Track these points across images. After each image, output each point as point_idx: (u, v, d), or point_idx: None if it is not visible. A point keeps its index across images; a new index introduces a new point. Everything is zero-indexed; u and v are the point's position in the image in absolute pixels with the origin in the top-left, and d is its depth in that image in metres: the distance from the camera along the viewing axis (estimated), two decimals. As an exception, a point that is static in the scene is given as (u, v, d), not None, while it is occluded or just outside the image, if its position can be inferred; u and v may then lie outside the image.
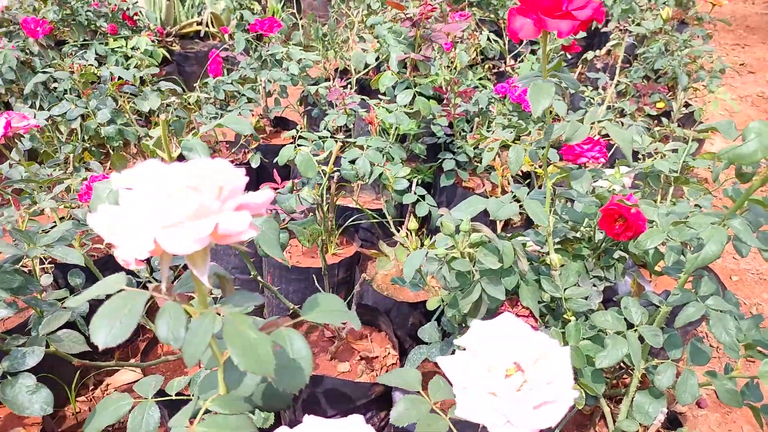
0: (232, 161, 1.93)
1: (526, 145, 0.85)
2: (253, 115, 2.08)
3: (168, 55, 2.68)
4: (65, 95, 2.12)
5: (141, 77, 1.50)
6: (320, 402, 1.05)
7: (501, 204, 0.81)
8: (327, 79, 2.57)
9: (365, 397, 1.03)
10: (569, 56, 2.58)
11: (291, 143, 2.08)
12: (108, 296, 0.48)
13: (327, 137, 1.40)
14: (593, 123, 0.81)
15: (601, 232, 0.94)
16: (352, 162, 1.37)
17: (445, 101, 1.65)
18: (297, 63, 1.84)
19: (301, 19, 3.82)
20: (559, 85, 0.76)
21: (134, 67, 2.52)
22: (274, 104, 2.14)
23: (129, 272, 1.05)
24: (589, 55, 2.46)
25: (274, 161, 1.39)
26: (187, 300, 0.52)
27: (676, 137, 1.62)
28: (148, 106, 1.49)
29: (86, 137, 1.41)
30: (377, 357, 1.13)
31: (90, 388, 1.25)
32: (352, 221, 1.55)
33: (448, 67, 1.97)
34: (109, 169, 1.54)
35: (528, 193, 0.85)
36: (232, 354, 0.43)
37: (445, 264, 0.76)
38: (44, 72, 1.42)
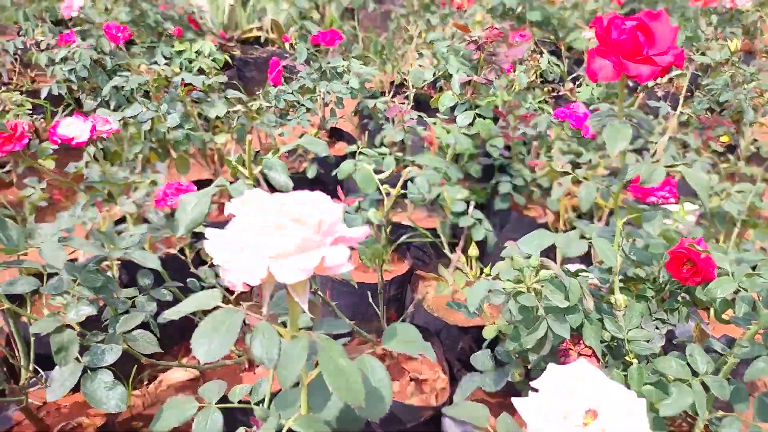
0: (289, 167, 1.98)
1: (598, 183, 0.85)
2: (311, 125, 2.12)
3: (230, 60, 2.75)
4: (133, 95, 2.20)
5: (209, 84, 1.55)
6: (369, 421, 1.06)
7: (570, 240, 0.81)
8: (383, 93, 2.60)
9: (414, 420, 1.04)
10: (630, 83, 2.55)
11: (347, 156, 2.13)
12: (205, 312, 0.51)
13: (386, 154, 1.42)
14: (669, 166, 0.81)
15: (667, 274, 0.93)
16: (411, 180, 1.38)
17: (503, 123, 1.65)
18: (357, 77, 1.87)
19: (357, 29, 3.88)
20: (634, 127, 0.75)
21: (197, 70, 2.61)
22: (330, 114, 2.18)
23: (195, 276, 1.08)
24: (650, 81, 2.42)
25: (333, 174, 1.42)
26: (276, 320, 0.55)
27: (742, 176, 1.58)
28: (215, 112, 1.53)
29: (153, 139, 1.46)
30: (427, 379, 1.14)
31: (144, 383, 1.29)
32: (406, 239, 1.56)
33: (507, 87, 1.97)
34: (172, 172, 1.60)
35: (596, 231, 0.85)
36: (327, 381, 0.44)
37: (512, 298, 0.77)
38: (121, 76, 1.48)
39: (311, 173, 1.78)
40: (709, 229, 1.22)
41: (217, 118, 1.54)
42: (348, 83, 1.88)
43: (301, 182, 1.88)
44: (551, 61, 1.99)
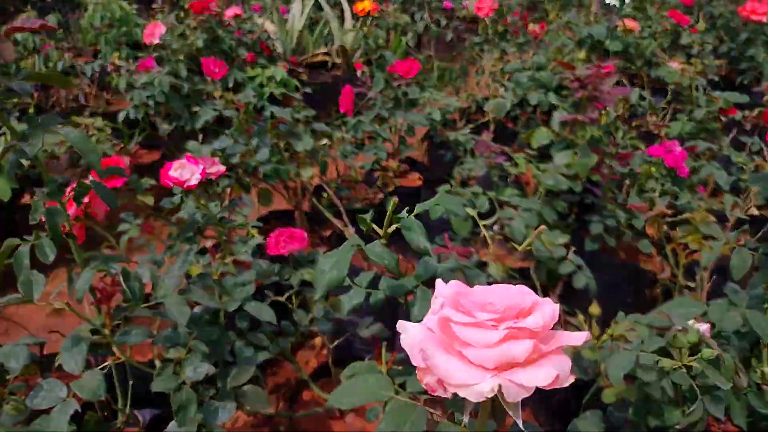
0: (363, 198, 1.95)
1: (751, 253, 0.77)
2: (390, 157, 2.08)
3: (299, 86, 2.77)
4: (208, 122, 2.23)
5: (297, 119, 1.53)
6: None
7: (723, 311, 0.74)
8: (453, 119, 2.56)
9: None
10: (723, 118, 2.42)
11: (418, 187, 2.08)
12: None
13: (480, 193, 1.37)
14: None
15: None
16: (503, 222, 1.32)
17: (598, 161, 1.57)
18: (438, 108, 1.84)
19: (420, 52, 3.86)
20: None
21: (269, 96, 2.62)
22: (399, 143, 2.14)
23: (291, 319, 1.04)
24: (738, 115, 2.30)
25: (419, 213, 1.37)
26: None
27: None
28: (302, 146, 1.52)
29: (240, 171, 1.45)
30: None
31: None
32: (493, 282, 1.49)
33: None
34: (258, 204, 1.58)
35: (746, 301, 0.77)
36: None
37: (664, 375, 0.70)
38: (214, 109, 1.49)
39: (390, 206, 1.73)
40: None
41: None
42: (430, 114, 1.84)
43: (376, 217, 1.84)
44: (642, 95, 1.91)
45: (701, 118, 1.88)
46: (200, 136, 2.13)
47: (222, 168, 1.01)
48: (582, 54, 1.34)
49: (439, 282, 0.44)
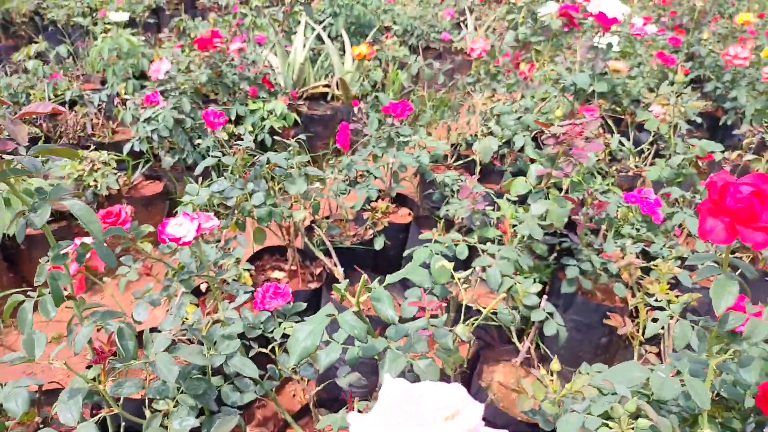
0: (353, 234, 2.03)
1: (693, 322, 0.84)
2: (381, 194, 2.17)
3: (298, 119, 2.86)
4: (207, 152, 2.32)
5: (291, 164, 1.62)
6: None
7: (662, 380, 0.81)
8: (445, 156, 2.65)
9: None
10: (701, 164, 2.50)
11: (408, 223, 2.17)
12: None
13: (460, 241, 1.45)
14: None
15: (756, 408, 0.91)
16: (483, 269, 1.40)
17: (574, 208, 1.66)
18: (427, 152, 1.92)
19: (417, 84, 3.96)
20: (740, 283, 0.75)
21: (268, 129, 2.72)
22: (393, 181, 2.23)
23: (274, 363, 1.12)
24: (717, 156, 2.39)
25: (405, 257, 1.44)
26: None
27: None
28: (295, 189, 1.60)
29: (236, 212, 1.54)
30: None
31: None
32: (473, 321, 1.57)
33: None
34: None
35: (687, 368, 0.85)
36: None
37: (604, 436, 0.77)
38: (214, 156, 1.57)
39: (378, 245, 1.82)
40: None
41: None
42: (418, 157, 1.93)
43: (366, 253, 1.92)
44: (622, 141, 1.99)
45: (678, 164, 1.96)
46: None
47: (216, 222, 1.09)
48: (559, 112, 1.42)
49: (387, 378, 0.51)
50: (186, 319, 1.10)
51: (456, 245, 1.44)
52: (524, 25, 2.75)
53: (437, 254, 1.37)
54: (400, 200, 2.33)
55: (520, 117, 2.19)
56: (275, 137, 2.91)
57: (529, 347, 1.46)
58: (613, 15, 2.24)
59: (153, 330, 1.37)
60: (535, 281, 1.40)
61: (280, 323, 1.06)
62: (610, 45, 2.51)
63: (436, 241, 1.40)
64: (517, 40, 2.70)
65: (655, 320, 1.12)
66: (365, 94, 3.64)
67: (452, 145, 2.65)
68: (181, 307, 1.02)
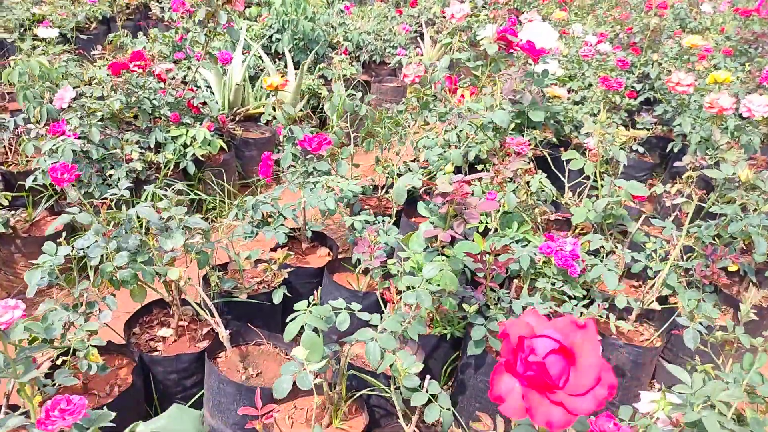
0: (260, 282, 1.88)
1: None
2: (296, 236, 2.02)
3: (225, 146, 2.71)
4: (117, 183, 2.15)
5: (168, 216, 1.47)
6: None
7: None
8: (375, 188, 2.51)
9: None
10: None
11: (324, 265, 2.02)
12: None
13: (341, 310, 1.31)
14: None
15: None
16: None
17: (480, 266, 1.53)
18: (334, 194, 1.78)
19: (368, 103, 3.82)
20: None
21: (191, 157, 2.56)
22: (304, 221, 2.08)
23: None
24: (658, 188, 2.28)
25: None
26: None
27: (740, 346, 1.41)
28: (171, 244, 1.45)
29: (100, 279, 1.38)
30: None
31: None
32: (365, 392, 1.43)
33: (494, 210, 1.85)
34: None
35: None
36: None
37: None
38: (68, 213, 1.42)
39: (277, 299, 1.67)
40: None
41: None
42: (324, 200, 1.79)
43: (271, 305, 1.77)
44: (543, 182, 1.87)
45: (605, 207, 1.84)
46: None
47: (18, 314, 0.94)
48: (449, 168, 1.29)
49: None
50: None
51: (337, 314, 1.30)
52: (461, 50, 2.62)
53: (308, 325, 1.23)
54: (320, 239, 2.19)
55: (443, 152, 2.06)
56: (207, 162, 2.76)
57: (415, 430, 1.32)
58: (541, 45, 2.12)
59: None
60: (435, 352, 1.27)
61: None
62: (545, 72, 2.40)
63: (310, 311, 1.26)
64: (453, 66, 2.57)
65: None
66: (307, 116, 3.50)
67: (388, 175, 2.52)
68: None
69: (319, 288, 1.39)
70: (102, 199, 1.98)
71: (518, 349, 0.55)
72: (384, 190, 2.46)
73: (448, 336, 1.68)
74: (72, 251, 1.43)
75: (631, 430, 0.79)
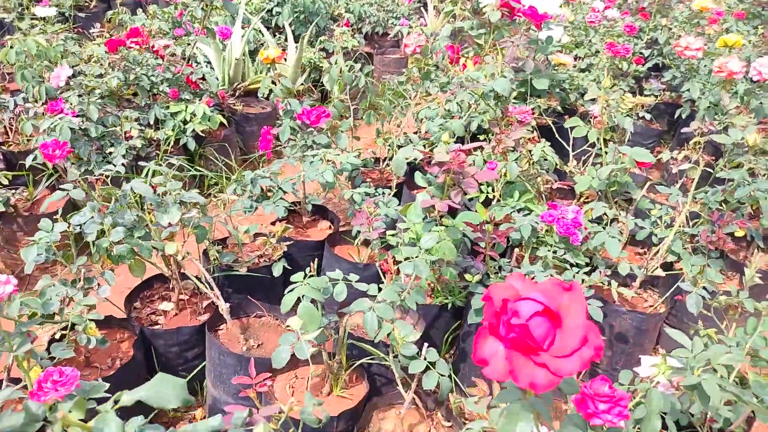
0: (261, 256, 1.87)
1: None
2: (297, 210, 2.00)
3: (225, 122, 2.68)
4: (111, 159, 2.14)
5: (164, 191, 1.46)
6: None
7: None
8: (377, 160, 2.48)
9: None
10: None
11: (324, 238, 2.01)
12: None
13: (338, 280, 1.30)
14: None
15: None
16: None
17: (480, 236, 1.51)
18: (332, 167, 1.76)
19: (368, 75, 3.77)
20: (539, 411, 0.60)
21: (191, 133, 2.54)
22: (304, 194, 2.05)
23: None
24: (665, 155, 2.23)
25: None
26: None
27: (744, 311, 1.39)
28: (167, 219, 1.44)
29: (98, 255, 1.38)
30: None
31: None
32: (365, 361, 1.43)
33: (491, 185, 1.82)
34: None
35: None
36: None
37: None
38: (62, 189, 1.41)
39: (277, 271, 1.66)
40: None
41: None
42: (323, 173, 1.77)
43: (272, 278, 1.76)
44: (544, 150, 1.83)
45: (608, 174, 1.80)
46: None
47: (9, 289, 0.94)
48: (446, 136, 1.25)
49: None
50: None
51: (334, 285, 1.29)
52: (464, 18, 2.57)
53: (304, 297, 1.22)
54: (321, 212, 2.17)
55: (444, 123, 2.03)
56: (208, 138, 2.75)
57: (414, 397, 1.32)
58: (544, 10, 2.06)
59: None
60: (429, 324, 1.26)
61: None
62: (549, 39, 2.34)
63: (306, 283, 1.25)
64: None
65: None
66: (308, 90, 3.46)
67: (389, 147, 2.49)
68: None
69: (316, 260, 1.38)
70: (98, 177, 1.97)
71: (502, 312, 0.53)
72: (385, 163, 2.43)
73: (450, 305, 1.67)
74: (69, 227, 1.42)
75: (626, 394, 0.77)
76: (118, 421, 0.64)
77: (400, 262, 1.32)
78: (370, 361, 1.44)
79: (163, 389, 0.67)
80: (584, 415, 0.78)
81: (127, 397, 0.66)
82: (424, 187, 1.46)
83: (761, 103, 2.50)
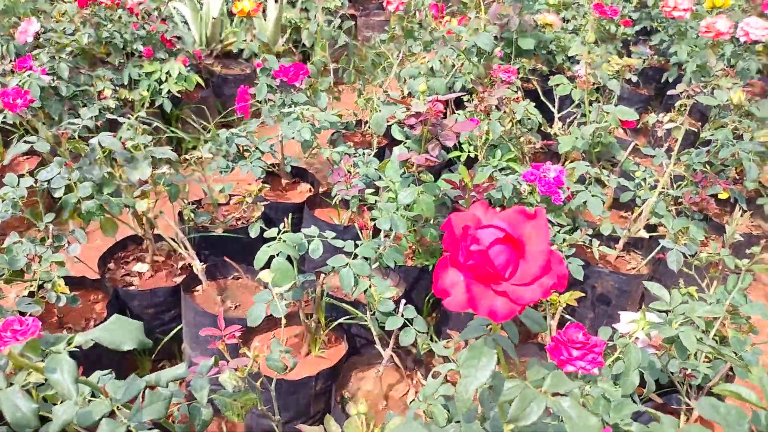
0: (239, 218, 1.83)
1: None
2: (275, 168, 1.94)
3: (201, 82, 2.60)
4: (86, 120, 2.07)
5: (134, 146, 1.40)
6: None
7: None
8: (359, 122, 2.43)
9: None
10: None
11: (304, 200, 1.97)
12: None
13: (314, 237, 1.26)
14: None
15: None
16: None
17: (460, 193, 1.48)
18: (310, 126, 1.71)
19: (355, 38, 3.68)
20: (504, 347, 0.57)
21: (167, 93, 2.46)
22: (282, 155, 2.00)
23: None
24: (651, 118, 2.21)
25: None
26: None
27: (725, 267, 1.37)
28: (137, 175, 1.39)
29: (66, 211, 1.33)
30: None
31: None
32: (343, 320, 1.41)
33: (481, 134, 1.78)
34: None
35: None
36: None
37: None
38: (26, 142, 1.35)
39: (254, 232, 1.62)
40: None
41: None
42: (300, 131, 1.72)
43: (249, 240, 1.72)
44: (529, 109, 1.79)
45: (592, 133, 1.77)
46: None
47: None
48: (422, 86, 1.21)
49: None
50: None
51: (309, 242, 1.25)
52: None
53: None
54: (301, 175, 2.13)
55: (428, 81, 1.97)
56: (185, 100, 2.67)
57: (393, 356, 1.30)
58: (529, -36, 1.99)
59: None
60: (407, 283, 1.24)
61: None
62: (536, -3, 2.28)
63: (281, 239, 1.21)
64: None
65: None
66: (288, 52, 3.37)
67: (371, 109, 2.43)
68: None
69: (291, 214, 1.34)
70: (65, 131, 1.90)
71: (462, 240, 0.50)
72: (367, 126, 2.38)
73: (431, 267, 1.65)
74: (36, 183, 1.37)
75: (602, 341, 0.75)
76: (70, 362, 0.61)
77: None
78: (349, 321, 1.42)
79: (119, 330, 0.64)
80: (557, 362, 0.76)
81: (81, 338, 0.63)
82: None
83: (747, 67, 2.47)
